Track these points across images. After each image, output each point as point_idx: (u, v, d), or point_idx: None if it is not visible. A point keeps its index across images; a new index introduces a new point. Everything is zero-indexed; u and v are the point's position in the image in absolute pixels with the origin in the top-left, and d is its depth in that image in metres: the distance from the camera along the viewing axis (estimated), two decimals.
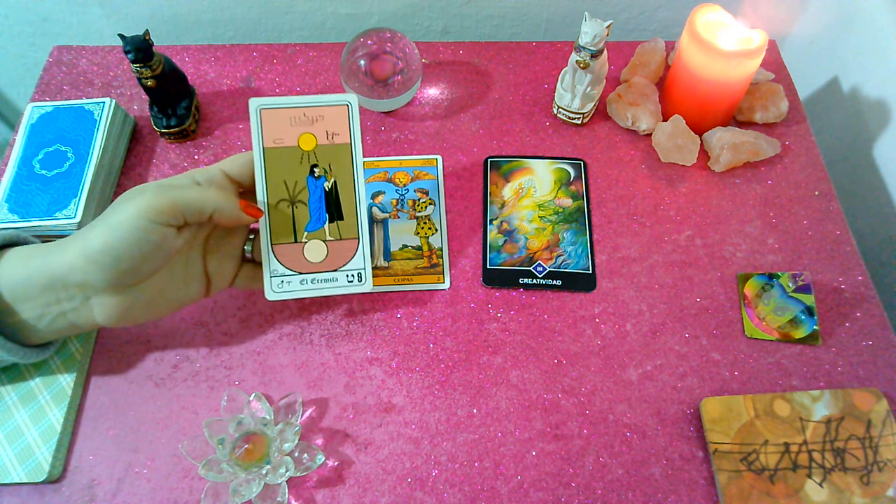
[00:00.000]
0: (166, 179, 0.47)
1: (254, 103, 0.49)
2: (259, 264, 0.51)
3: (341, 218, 0.50)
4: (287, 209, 0.49)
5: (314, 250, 0.49)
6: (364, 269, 0.50)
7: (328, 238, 0.49)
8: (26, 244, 0.48)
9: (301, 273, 0.49)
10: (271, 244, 0.49)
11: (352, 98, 0.50)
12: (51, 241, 0.58)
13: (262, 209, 0.48)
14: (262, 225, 0.49)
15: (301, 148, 0.49)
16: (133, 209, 0.42)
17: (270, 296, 0.49)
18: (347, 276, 0.49)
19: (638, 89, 0.66)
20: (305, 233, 0.49)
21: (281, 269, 0.49)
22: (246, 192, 0.50)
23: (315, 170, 0.49)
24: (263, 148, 0.49)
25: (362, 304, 0.56)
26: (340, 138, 0.49)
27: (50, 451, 0.48)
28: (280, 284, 0.49)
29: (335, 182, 0.49)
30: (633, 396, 0.52)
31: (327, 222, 0.49)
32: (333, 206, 0.49)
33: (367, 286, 0.50)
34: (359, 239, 0.50)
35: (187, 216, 0.44)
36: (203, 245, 0.49)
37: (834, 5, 0.73)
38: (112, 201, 0.61)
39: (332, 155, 0.49)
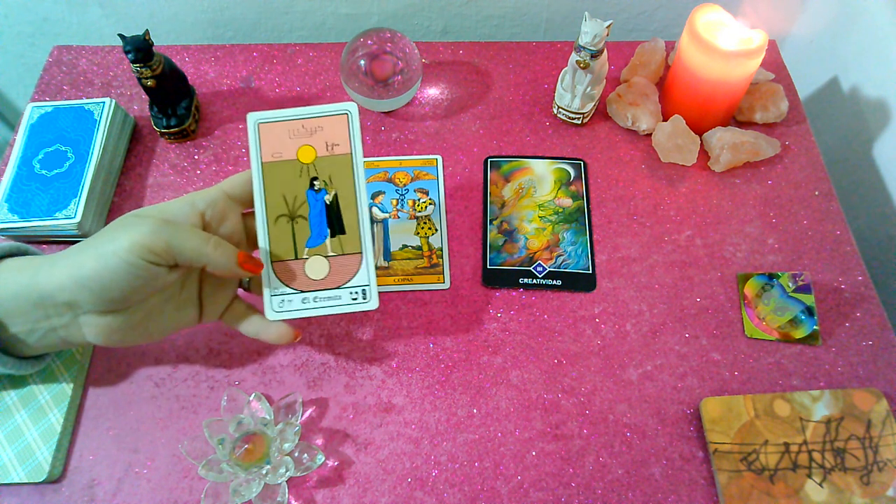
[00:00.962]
0: (168, 206, 0.44)
1: (252, 118, 0.47)
2: (247, 304, 0.49)
3: (343, 232, 0.47)
4: (287, 225, 0.47)
5: (315, 267, 0.47)
6: (369, 285, 0.47)
7: (330, 253, 0.47)
8: (26, 254, 0.48)
9: (302, 291, 0.47)
10: (271, 261, 0.47)
11: (351, 107, 0.48)
12: (51, 241, 0.59)
13: (263, 262, 0.46)
14: (262, 242, 0.47)
15: (300, 161, 0.47)
16: (126, 242, 0.40)
17: (271, 315, 0.46)
18: (351, 293, 0.47)
19: (638, 89, 0.66)
20: (306, 249, 0.47)
21: (281, 288, 0.47)
22: (249, 211, 0.48)
23: (315, 183, 0.47)
24: (262, 163, 0.47)
25: None
26: (340, 149, 0.47)
27: (50, 451, 0.48)
28: (281, 304, 0.46)
29: (336, 195, 0.47)
30: (633, 396, 0.52)
31: (329, 237, 0.47)
32: (335, 220, 0.47)
33: (373, 304, 0.47)
34: (362, 253, 0.47)
35: (180, 261, 0.43)
36: (200, 272, 0.48)
37: (834, 5, 0.73)
38: (112, 201, 0.62)
39: (332, 166, 0.47)
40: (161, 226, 0.42)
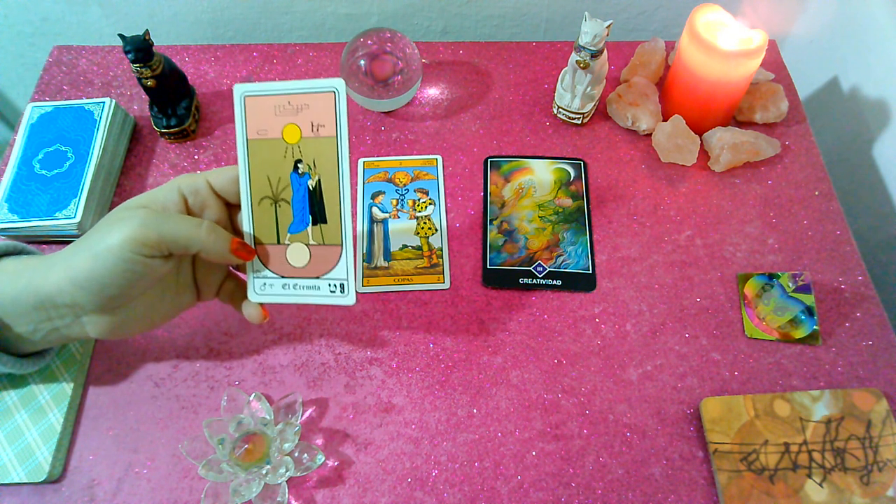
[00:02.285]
0: (155, 194, 0.44)
1: (238, 90, 0.45)
2: (240, 280, 0.49)
3: (324, 221, 0.45)
4: (270, 207, 0.45)
5: (296, 254, 0.46)
6: (346, 280, 0.45)
7: (311, 242, 0.45)
8: (23, 253, 0.48)
9: (283, 277, 0.46)
10: (254, 244, 0.46)
11: (339, 84, 0.44)
12: (51, 241, 0.59)
13: (254, 248, 0.46)
14: (246, 224, 0.46)
15: (285, 140, 0.45)
16: (118, 238, 0.40)
17: (252, 297, 0.46)
18: (330, 285, 0.46)
19: (638, 89, 0.66)
20: (288, 234, 0.46)
21: (264, 271, 0.46)
22: (233, 206, 0.47)
23: (299, 165, 0.45)
24: (247, 140, 0.45)
25: (363, 304, 0.56)
26: (326, 130, 0.44)
27: (50, 451, 0.48)
28: (262, 287, 0.46)
29: (319, 180, 0.45)
30: (633, 396, 0.52)
31: (310, 224, 0.45)
32: (316, 207, 0.45)
33: (350, 299, 0.45)
34: (342, 246, 0.45)
35: (172, 250, 0.42)
36: (192, 255, 0.47)
37: (834, 5, 0.73)
38: (112, 201, 0.62)
39: (316, 149, 0.44)
40: (150, 217, 0.41)
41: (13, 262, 0.45)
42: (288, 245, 0.46)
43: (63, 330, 0.44)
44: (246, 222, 0.46)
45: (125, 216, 0.41)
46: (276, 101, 0.45)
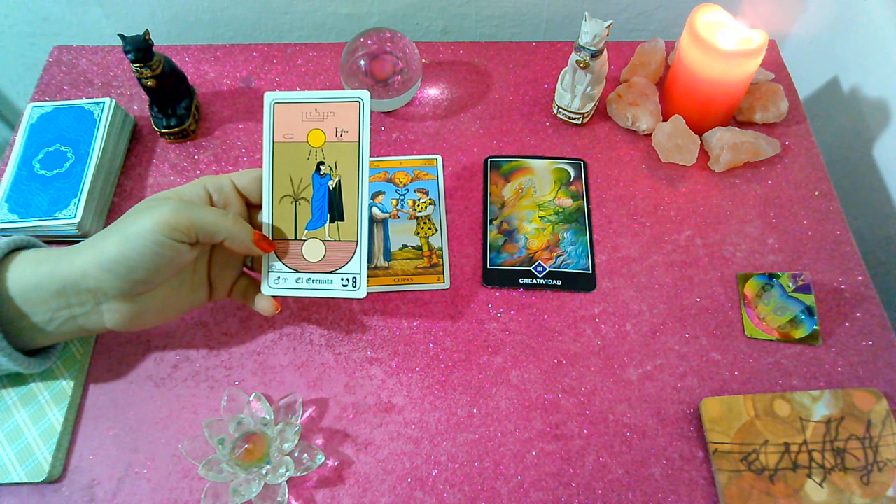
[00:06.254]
0: (182, 189, 0.46)
1: (269, 97, 0.49)
2: (253, 279, 0.51)
3: (342, 219, 0.49)
4: (290, 205, 0.49)
5: (312, 249, 0.49)
6: (359, 274, 0.48)
7: (327, 238, 0.49)
8: (34, 248, 0.48)
9: (297, 271, 0.49)
10: (273, 238, 0.49)
11: (364, 95, 0.48)
12: (51, 241, 0.59)
13: (273, 242, 0.49)
14: (266, 219, 0.49)
15: (310, 144, 0.49)
16: (150, 222, 0.42)
17: (266, 290, 0.49)
18: (342, 279, 0.48)
19: (638, 89, 0.66)
20: (305, 231, 0.49)
21: (278, 265, 0.49)
22: (252, 206, 0.50)
23: (321, 167, 0.48)
24: (273, 142, 0.49)
25: (362, 304, 0.56)
26: (349, 136, 0.48)
27: (50, 451, 0.48)
28: (276, 280, 0.49)
29: (339, 181, 0.49)
30: (633, 396, 0.52)
31: (328, 222, 0.49)
32: (335, 206, 0.49)
33: (361, 293, 0.48)
34: (357, 242, 0.49)
35: (200, 237, 0.44)
36: (209, 252, 0.50)
37: (834, 5, 0.73)
38: (112, 201, 0.62)
39: (339, 153, 0.48)
40: (181, 204, 0.44)
41: (34, 251, 0.46)
42: (304, 241, 0.49)
43: (80, 319, 0.45)
44: (266, 217, 0.49)
45: (155, 205, 0.44)
46: (304, 108, 0.49)
